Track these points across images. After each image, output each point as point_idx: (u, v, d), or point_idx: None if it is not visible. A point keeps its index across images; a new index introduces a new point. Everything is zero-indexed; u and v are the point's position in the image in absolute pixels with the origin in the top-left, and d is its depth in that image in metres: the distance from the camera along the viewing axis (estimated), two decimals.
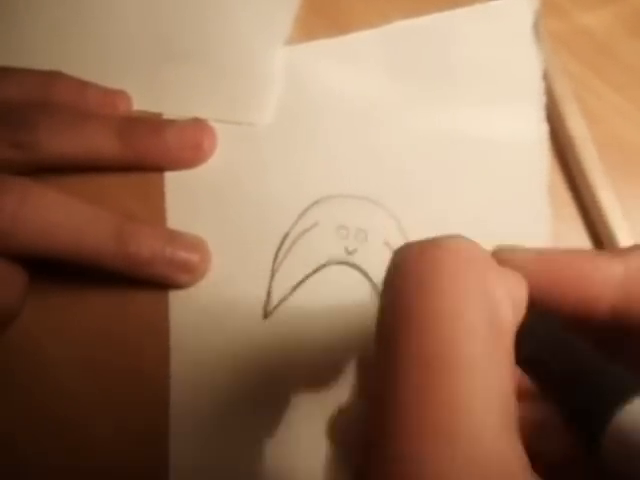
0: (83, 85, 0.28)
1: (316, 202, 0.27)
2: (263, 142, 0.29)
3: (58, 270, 0.25)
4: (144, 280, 0.25)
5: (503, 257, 0.16)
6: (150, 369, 0.25)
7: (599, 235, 0.28)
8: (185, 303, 0.25)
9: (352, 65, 0.30)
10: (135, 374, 0.25)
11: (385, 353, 0.13)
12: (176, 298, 0.25)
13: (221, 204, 0.27)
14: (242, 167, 0.28)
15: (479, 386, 0.12)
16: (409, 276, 0.14)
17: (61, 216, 0.24)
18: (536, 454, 0.13)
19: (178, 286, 0.25)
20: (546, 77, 0.29)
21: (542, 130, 0.29)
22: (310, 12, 0.31)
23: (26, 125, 0.26)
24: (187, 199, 0.27)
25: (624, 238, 0.26)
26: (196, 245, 0.26)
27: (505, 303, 0.13)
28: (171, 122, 0.28)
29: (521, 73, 0.30)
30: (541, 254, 0.16)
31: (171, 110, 0.29)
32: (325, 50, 0.30)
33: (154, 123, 0.28)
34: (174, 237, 0.25)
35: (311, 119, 0.29)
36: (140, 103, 0.29)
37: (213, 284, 0.26)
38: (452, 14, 0.31)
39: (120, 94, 0.29)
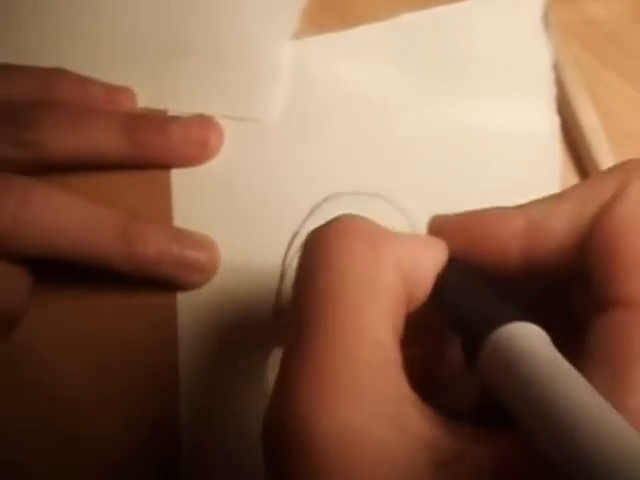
0: (86, 82, 0.28)
1: (326, 199, 0.27)
2: (271, 138, 0.28)
3: (63, 271, 0.25)
4: (152, 280, 0.25)
5: (431, 224, 0.19)
6: (158, 369, 0.25)
7: None
8: (193, 303, 0.25)
9: (360, 59, 0.30)
10: (143, 373, 0.25)
11: (294, 312, 0.16)
12: (184, 298, 0.25)
13: (229, 202, 0.27)
14: (250, 164, 0.28)
15: (358, 326, 0.15)
16: (307, 254, 0.17)
17: (65, 216, 0.24)
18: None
19: (186, 286, 0.25)
20: (556, 68, 0.29)
21: (553, 122, 0.28)
22: (317, 6, 0.31)
23: (29, 123, 0.25)
24: (194, 197, 0.27)
25: None
26: (204, 244, 0.25)
27: (389, 267, 0.16)
28: (176, 119, 0.28)
29: (531, 64, 0.29)
30: (458, 216, 0.19)
31: (176, 107, 0.29)
32: (333, 44, 0.30)
33: (159, 120, 0.28)
34: (181, 236, 0.25)
35: (319, 114, 0.29)
36: (145, 100, 0.29)
37: (221, 284, 0.25)
38: (461, 6, 0.31)
39: (124, 91, 0.28)
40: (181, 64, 0.29)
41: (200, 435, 0.24)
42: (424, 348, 0.19)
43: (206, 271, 0.25)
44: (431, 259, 0.17)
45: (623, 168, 0.17)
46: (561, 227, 0.17)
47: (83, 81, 0.28)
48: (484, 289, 0.17)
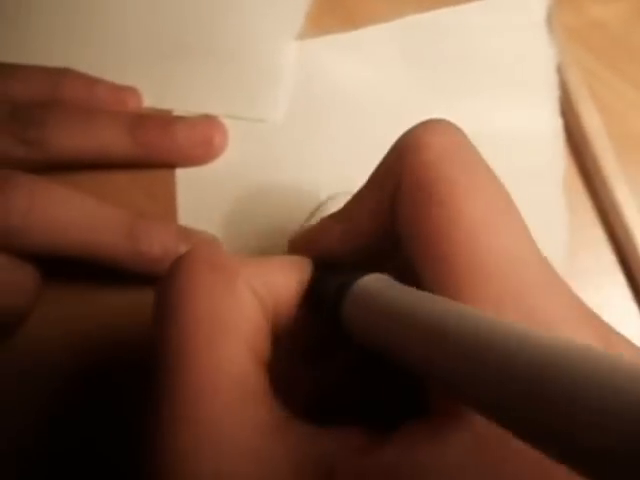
0: (92, 82, 0.28)
1: (330, 198, 0.27)
2: (275, 138, 0.28)
3: (70, 269, 0.25)
4: (157, 278, 0.24)
5: (289, 244, 0.22)
6: None
7: (614, 228, 0.27)
8: None
9: (364, 59, 0.30)
10: (147, 371, 0.25)
11: (153, 358, 0.17)
12: None
13: (233, 201, 0.27)
14: (254, 164, 0.28)
15: (215, 361, 0.16)
16: (159, 296, 0.17)
17: (71, 213, 0.24)
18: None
19: None
20: (559, 70, 0.29)
21: (557, 124, 0.29)
22: (322, 7, 0.31)
23: (35, 123, 0.25)
24: (198, 196, 0.27)
25: (638, 229, 0.26)
26: (208, 242, 0.25)
27: (242, 295, 0.17)
28: (181, 119, 0.28)
29: (535, 66, 0.30)
30: (301, 233, 0.22)
31: (182, 106, 0.29)
32: (337, 45, 0.30)
33: (164, 120, 0.28)
34: (186, 234, 0.25)
35: (323, 114, 0.29)
36: (151, 100, 0.29)
37: None
38: (465, 8, 0.31)
39: (130, 91, 0.28)
40: (187, 65, 0.30)
41: None
42: (306, 350, 0.19)
43: None
44: (291, 275, 0.18)
45: (399, 144, 0.18)
46: (365, 220, 0.19)
47: (89, 81, 0.28)
48: (338, 274, 0.18)
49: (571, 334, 0.14)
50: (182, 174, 0.27)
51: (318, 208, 0.27)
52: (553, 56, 0.29)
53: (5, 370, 0.24)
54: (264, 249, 0.26)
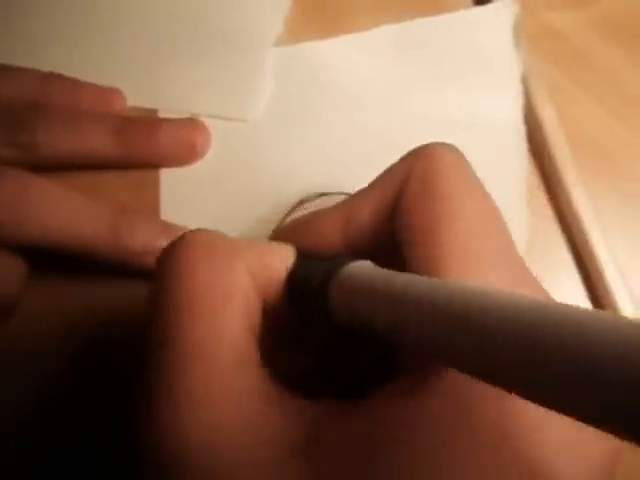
0: (79, 85, 0.29)
1: (306, 200, 0.28)
2: (256, 138, 0.29)
3: (56, 262, 0.25)
4: (138, 271, 0.25)
5: (275, 233, 0.23)
6: (142, 356, 0.25)
7: (571, 230, 0.29)
8: None
9: (342, 64, 0.31)
10: (127, 360, 0.25)
11: (148, 332, 0.17)
12: None
13: (214, 200, 0.28)
14: (236, 163, 0.29)
15: (212, 330, 0.16)
16: (159, 272, 0.18)
17: (58, 207, 0.24)
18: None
19: None
20: (523, 79, 0.31)
21: (520, 131, 0.30)
22: (300, 15, 0.32)
23: (25, 126, 0.26)
24: (181, 194, 0.28)
25: (594, 232, 0.28)
26: None
27: (239, 272, 0.17)
28: (165, 121, 0.29)
29: (503, 77, 0.31)
30: (294, 223, 0.23)
31: (166, 106, 0.30)
32: (315, 50, 0.31)
33: (149, 123, 0.28)
34: (167, 229, 0.26)
35: (303, 114, 0.30)
36: (136, 99, 0.30)
37: None
38: (438, 18, 0.32)
39: (115, 92, 0.29)
40: (171, 66, 0.30)
41: None
42: (289, 330, 0.20)
43: None
44: (280, 259, 0.19)
45: (413, 152, 0.20)
46: (369, 217, 0.20)
47: (75, 84, 0.28)
48: (323, 261, 0.19)
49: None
50: (166, 173, 0.28)
51: (297, 207, 0.28)
52: (518, 65, 0.31)
53: None
54: None
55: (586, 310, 0.11)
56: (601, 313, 0.10)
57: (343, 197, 0.28)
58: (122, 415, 0.24)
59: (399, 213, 0.19)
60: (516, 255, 0.18)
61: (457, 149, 0.20)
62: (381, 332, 0.15)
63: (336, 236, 0.20)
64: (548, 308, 0.11)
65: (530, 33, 0.32)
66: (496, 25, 0.32)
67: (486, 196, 0.19)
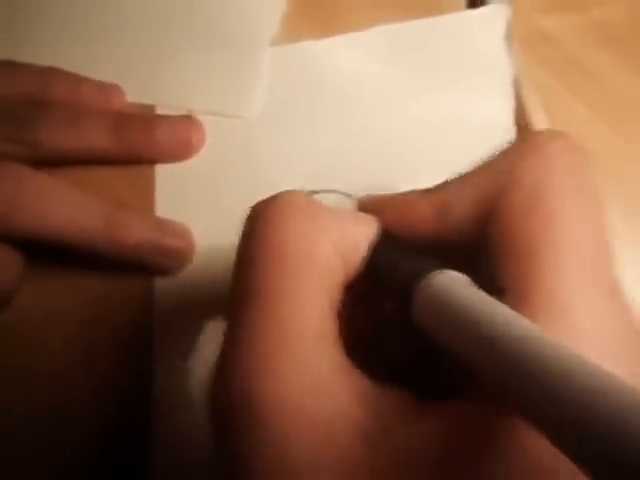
0: (78, 80, 0.29)
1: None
2: (252, 135, 0.30)
3: (52, 255, 0.26)
4: (131, 265, 0.26)
5: (362, 203, 0.21)
6: (135, 346, 0.26)
7: None
8: (169, 287, 0.27)
9: (336, 64, 0.32)
10: (121, 351, 0.26)
11: (234, 287, 0.17)
12: (161, 282, 0.27)
13: (208, 196, 0.29)
14: (231, 159, 0.29)
15: (296, 298, 0.16)
16: (248, 230, 0.18)
17: (54, 200, 0.25)
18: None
19: (162, 271, 0.27)
20: (515, 83, 0.31)
21: (511, 131, 0.30)
22: (297, 13, 0.33)
23: (26, 123, 0.27)
24: (176, 190, 0.29)
25: None
26: (181, 232, 0.27)
27: (326, 241, 0.17)
28: (162, 118, 0.29)
29: (494, 80, 0.31)
30: (383, 198, 0.21)
31: (163, 102, 0.30)
32: (311, 50, 0.32)
33: (146, 120, 0.29)
34: (161, 224, 0.27)
35: (298, 112, 0.30)
36: (135, 95, 0.30)
37: (197, 271, 0.27)
38: (432, 20, 0.32)
39: (114, 88, 0.30)
40: (168, 63, 0.31)
41: (171, 409, 0.25)
42: (364, 312, 0.19)
43: (182, 258, 0.27)
44: (365, 233, 0.18)
45: (521, 147, 0.18)
46: (463, 213, 0.18)
47: (75, 80, 0.29)
48: (411, 253, 0.18)
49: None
50: (161, 169, 0.29)
51: None
52: (510, 68, 0.31)
53: None
54: (236, 241, 0.28)
55: None
56: None
57: (335, 195, 0.29)
58: (120, 406, 0.25)
59: (496, 218, 0.17)
60: (616, 288, 0.16)
61: (577, 146, 0.17)
62: (459, 355, 0.15)
63: (427, 221, 0.19)
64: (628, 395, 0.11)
65: (521, 37, 0.32)
66: (489, 28, 0.32)
67: (601, 219, 0.17)
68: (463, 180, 0.19)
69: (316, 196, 0.28)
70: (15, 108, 0.27)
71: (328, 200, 0.28)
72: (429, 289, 0.16)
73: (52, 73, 0.29)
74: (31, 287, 0.26)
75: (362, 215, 0.19)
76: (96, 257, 0.26)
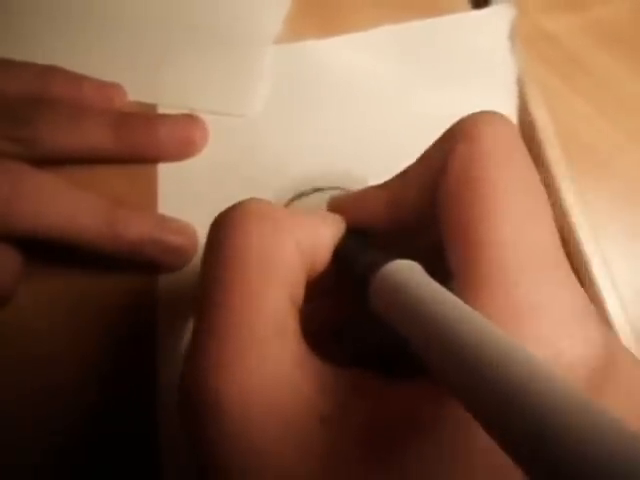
0: (79, 79, 0.29)
1: (304, 194, 0.29)
2: (254, 134, 0.30)
3: (53, 253, 0.26)
4: (135, 262, 0.26)
5: (329, 203, 0.23)
6: (140, 341, 0.26)
7: (562, 233, 0.29)
8: (173, 284, 0.27)
9: (340, 62, 0.32)
10: (125, 346, 0.26)
11: (199, 289, 0.18)
12: (164, 279, 0.27)
13: (211, 194, 0.28)
14: (233, 157, 0.29)
15: (255, 298, 0.17)
16: (211, 236, 0.18)
17: (53, 199, 0.25)
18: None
19: (165, 268, 0.27)
20: (518, 81, 0.31)
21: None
22: (300, 12, 0.33)
23: (26, 122, 0.26)
24: (178, 188, 0.29)
25: (583, 231, 0.28)
26: (183, 230, 0.27)
27: (286, 242, 0.18)
28: (164, 117, 0.29)
29: (498, 79, 0.31)
30: (347, 196, 0.23)
31: (165, 101, 0.30)
32: (314, 50, 0.32)
33: (147, 118, 0.29)
34: (163, 221, 0.26)
35: (300, 110, 0.31)
36: (137, 94, 0.30)
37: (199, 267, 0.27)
38: (436, 21, 0.33)
39: (115, 87, 0.30)
40: (171, 62, 0.31)
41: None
42: (328, 304, 0.21)
43: (185, 255, 0.26)
44: (330, 232, 0.19)
45: (452, 133, 0.18)
46: (411, 204, 0.19)
47: (76, 78, 0.29)
48: (370, 248, 0.19)
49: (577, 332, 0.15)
50: (164, 167, 0.29)
51: (290, 203, 0.28)
52: (513, 68, 0.31)
53: None
54: None
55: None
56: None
57: (338, 192, 0.29)
58: (120, 402, 0.25)
59: (439, 199, 0.18)
60: (560, 258, 0.17)
61: (500, 117, 0.18)
62: (409, 340, 0.15)
63: (380, 214, 0.20)
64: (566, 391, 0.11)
65: (524, 36, 0.32)
66: (493, 28, 0.32)
67: (529, 180, 0.17)
68: (407, 171, 0.20)
69: (320, 194, 0.29)
70: (16, 106, 0.27)
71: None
72: (382, 279, 0.17)
73: (53, 72, 0.29)
74: (31, 286, 0.26)
75: (329, 215, 0.21)
76: (98, 255, 0.26)
